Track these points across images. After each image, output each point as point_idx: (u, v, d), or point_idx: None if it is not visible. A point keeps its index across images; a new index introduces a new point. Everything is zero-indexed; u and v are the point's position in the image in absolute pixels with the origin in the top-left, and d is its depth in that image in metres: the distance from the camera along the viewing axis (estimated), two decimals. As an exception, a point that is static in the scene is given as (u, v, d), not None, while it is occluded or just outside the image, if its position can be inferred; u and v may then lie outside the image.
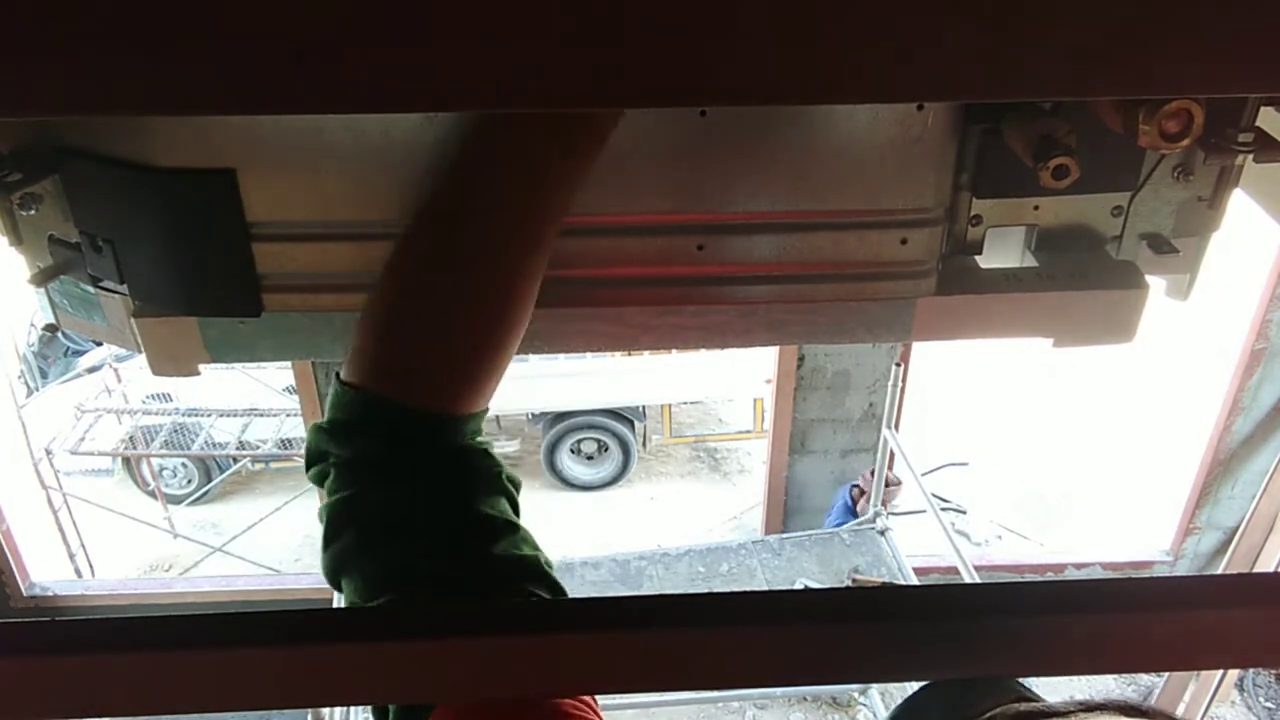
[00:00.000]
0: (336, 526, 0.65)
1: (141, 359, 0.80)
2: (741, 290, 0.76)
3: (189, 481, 6.68)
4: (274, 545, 6.10)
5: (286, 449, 6.30)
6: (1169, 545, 4.54)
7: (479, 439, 0.68)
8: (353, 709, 2.86)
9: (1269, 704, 4.64)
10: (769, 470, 4.59)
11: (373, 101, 0.34)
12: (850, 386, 4.25)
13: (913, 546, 3.83)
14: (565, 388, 6.48)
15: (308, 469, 0.69)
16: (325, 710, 2.64)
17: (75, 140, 0.68)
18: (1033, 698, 0.64)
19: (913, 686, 0.69)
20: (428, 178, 0.67)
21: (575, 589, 3.55)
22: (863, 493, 3.92)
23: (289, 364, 4.64)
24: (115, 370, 6.48)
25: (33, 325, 7.08)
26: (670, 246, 0.73)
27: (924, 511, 3.75)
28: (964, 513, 5.42)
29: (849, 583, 3.54)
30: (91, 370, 6.84)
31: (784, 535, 3.93)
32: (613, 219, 0.72)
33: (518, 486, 0.70)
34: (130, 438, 6.37)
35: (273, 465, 6.81)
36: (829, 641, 0.46)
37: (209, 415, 6.38)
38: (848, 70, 0.34)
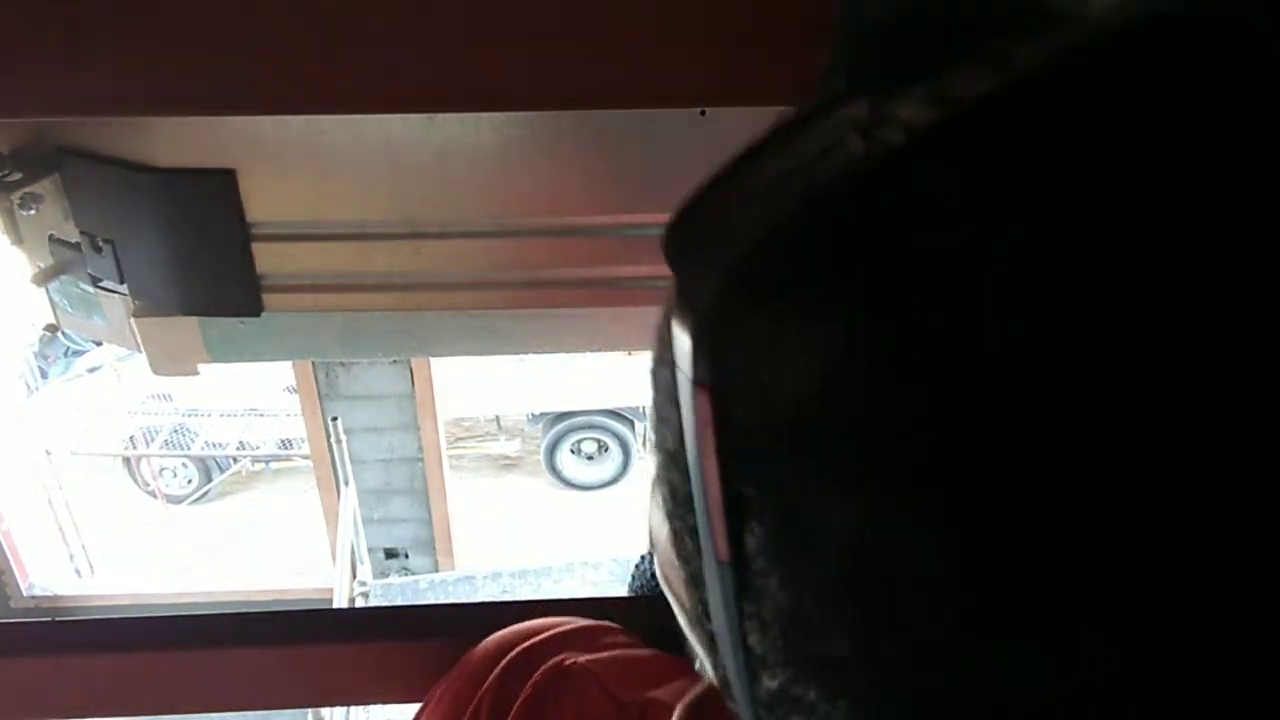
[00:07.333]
0: None
1: (141, 359, 0.80)
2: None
3: (189, 481, 6.67)
4: (274, 545, 6.10)
5: (286, 449, 6.29)
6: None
7: None
8: (352, 709, 2.86)
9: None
10: (769, 470, 4.58)
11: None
12: (850, 386, 4.25)
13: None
14: (565, 388, 6.48)
15: None
16: (325, 710, 2.63)
17: (76, 140, 0.68)
18: None
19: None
20: None
21: (576, 590, 3.55)
22: None
23: (289, 364, 4.64)
24: (115, 370, 6.48)
25: (33, 325, 7.07)
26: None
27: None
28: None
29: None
30: (91, 370, 6.83)
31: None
32: (613, 219, 0.72)
33: None
34: (130, 438, 6.37)
35: (273, 465, 6.81)
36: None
37: (209, 415, 6.38)
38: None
